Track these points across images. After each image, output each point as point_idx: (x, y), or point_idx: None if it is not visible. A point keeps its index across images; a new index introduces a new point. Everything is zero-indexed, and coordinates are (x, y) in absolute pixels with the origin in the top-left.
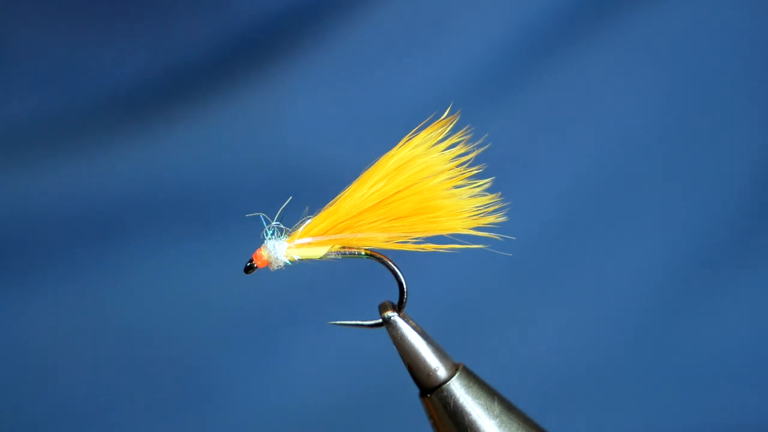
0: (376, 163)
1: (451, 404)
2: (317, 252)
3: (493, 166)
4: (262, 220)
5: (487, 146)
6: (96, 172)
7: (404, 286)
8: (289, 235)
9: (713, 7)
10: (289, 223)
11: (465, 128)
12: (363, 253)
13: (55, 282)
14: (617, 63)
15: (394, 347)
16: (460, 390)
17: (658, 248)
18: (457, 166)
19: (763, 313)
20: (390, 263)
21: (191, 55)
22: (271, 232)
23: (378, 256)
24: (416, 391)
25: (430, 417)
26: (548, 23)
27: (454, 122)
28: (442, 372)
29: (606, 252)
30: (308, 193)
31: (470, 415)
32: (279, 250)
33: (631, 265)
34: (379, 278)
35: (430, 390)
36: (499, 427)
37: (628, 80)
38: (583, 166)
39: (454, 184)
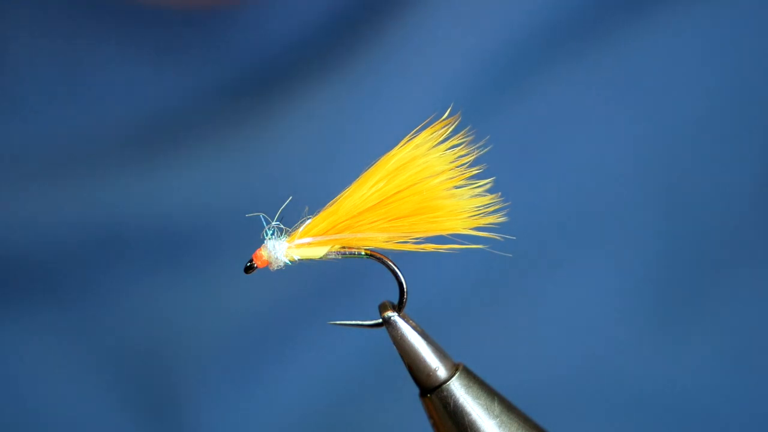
0: (376, 163)
1: (451, 404)
2: (317, 252)
3: (493, 167)
4: (262, 220)
5: (488, 147)
6: (89, 198)
7: (404, 286)
8: (289, 235)
9: (709, 32)
10: (289, 223)
11: (465, 129)
12: (363, 253)
13: (47, 304)
14: (618, 65)
15: (394, 347)
16: (460, 390)
17: (655, 251)
18: (457, 167)
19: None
20: (390, 263)
21: (186, 87)
22: (271, 232)
23: (378, 256)
24: (416, 391)
25: (430, 417)
26: (544, 33)
27: (455, 123)
28: (442, 372)
29: (603, 253)
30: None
31: (470, 415)
32: (279, 250)
33: (629, 267)
34: (379, 278)
35: (430, 390)
36: (499, 427)
37: (625, 86)
38: (582, 167)
39: (454, 185)
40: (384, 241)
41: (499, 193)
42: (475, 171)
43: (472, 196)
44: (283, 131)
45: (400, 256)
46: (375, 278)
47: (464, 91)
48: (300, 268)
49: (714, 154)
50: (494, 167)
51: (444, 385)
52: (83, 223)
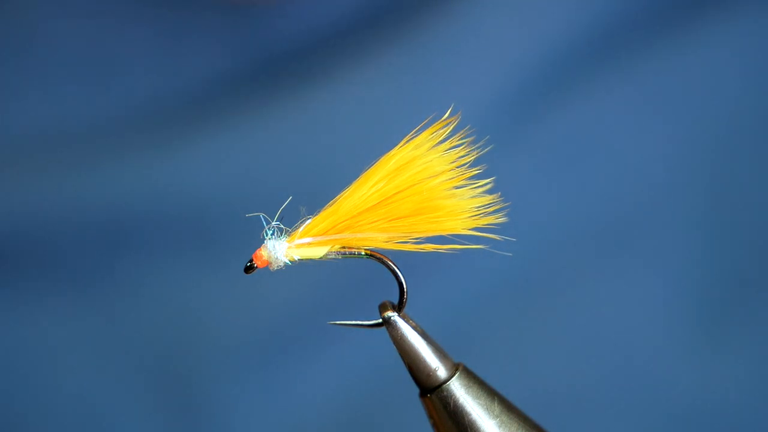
0: (376, 163)
1: (451, 404)
2: (317, 252)
3: (532, 174)
4: (262, 220)
5: (489, 147)
6: (105, 184)
7: (404, 286)
8: (289, 235)
9: (747, 40)
10: (289, 223)
11: (466, 129)
12: (363, 253)
13: (61, 291)
14: (658, 73)
15: (394, 347)
16: (460, 390)
17: (695, 259)
18: (457, 167)
19: None
20: (390, 263)
21: (207, 73)
22: (271, 232)
23: (378, 256)
24: (416, 391)
25: (430, 417)
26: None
27: (456, 123)
28: (442, 372)
29: (643, 262)
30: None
31: (470, 415)
32: (279, 250)
33: (668, 276)
34: (379, 278)
35: (430, 390)
36: (499, 427)
37: (666, 94)
38: (622, 175)
39: (455, 185)
40: (384, 241)
41: (499, 193)
42: (475, 170)
43: (473, 196)
44: (285, 128)
45: (400, 256)
46: (375, 278)
47: (497, 98)
48: (300, 268)
49: (755, 160)
50: (533, 174)
51: (444, 385)
52: (105, 212)
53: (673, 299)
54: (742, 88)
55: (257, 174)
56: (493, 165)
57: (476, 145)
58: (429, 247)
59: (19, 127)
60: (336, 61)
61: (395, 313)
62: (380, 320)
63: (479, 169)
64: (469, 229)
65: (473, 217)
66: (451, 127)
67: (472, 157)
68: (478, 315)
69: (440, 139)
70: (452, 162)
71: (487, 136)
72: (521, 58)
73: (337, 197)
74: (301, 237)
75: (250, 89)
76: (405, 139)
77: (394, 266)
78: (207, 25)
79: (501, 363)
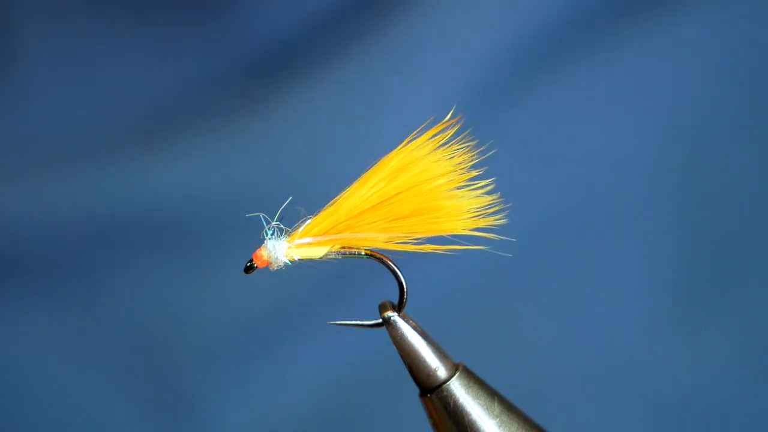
0: (376, 164)
1: (451, 404)
2: (317, 252)
3: (508, 163)
4: (262, 220)
5: (493, 151)
6: (95, 185)
7: (404, 286)
8: (289, 235)
9: (728, 26)
10: (289, 223)
11: (467, 130)
12: (363, 253)
13: (50, 295)
14: (634, 59)
15: (394, 347)
16: (460, 390)
17: (673, 248)
18: (457, 164)
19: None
20: (390, 263)
21: (200, 74)
22: (271, 232)
23: (378, 256)
24: (416, 391)
25: (430, 417)
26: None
27: (457, 124)
28: (442, 372)
29: (605, 253)
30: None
31: (470, 415)
32: (279, 250)
33: (647, 264)
34: (379, 278)
35: (430, 390)
36: (499, 427)
37: (641, 81)
38: (598, 163)
39: (455, 185)
40: (384, 242)
41: (499, 194)
42: (475, 172)
43: (473, 197)
44: (284, 127)
45: (400, 256)
46: (375, 278)
47: (476, 88)
48: (300, 268)
49: (732, 148)
50: (510, 164)
51: (444, 385)
52: (86, 213)
53: (654, 287)
54: (719, 75)
55: (257, 174)
56: (484, 162)
57: (473, 146)
58: (429, 247)
59: (9, 130)
60: (317, 58)
61: (395, 313)
62: (380, 320)
63: (479, 171)
64: (469, 230)
65: (473, 218)
66: (454, 130)
67: (472, 158)
68: (460, 307)
69: (441, 140)
70: (453, 162)
71: (492, 140)
72: (496, 50)
73: (337, 197)
74: (301, 237)
75: (244, 89)
76: (406, 140)
77: (394, 266)
78: (195, 26)
79: (485, 355)
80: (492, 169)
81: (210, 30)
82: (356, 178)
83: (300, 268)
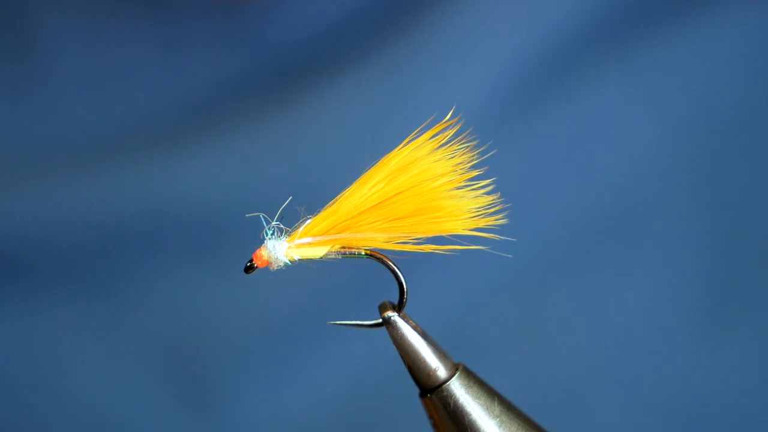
0: (377, 164)
1: (451, 404)
2: (317, 252)
3: (528, 167)
4: (262, 220)
5: (493, 152)
6: (113, 188)
7: (404, 286)
8: (289, 235)
9: (724, 47)
10: (289, 223)
11: (468, 131)
12: (363, 253)
13: (69, 294)
14: (652, 65)
15: (394, 347)
16: (460, 390)
17: (678, 258)
18: (457, 168)
19: None
20: (390, 263)
21: (206, 75)
22: (271, 232)
23: (378, 256)
24: (416, 391)
25: (430, 417)
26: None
27: (457, 125)
28: (442, 372)
29: (641, 255)
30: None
31: (470, 415)
32: (279, 250)
33: (652, 275)
34: (379, 278)
35: (430, 390)
36: (499, 427)
37: (662, 87)
38: (617, 169)
39: (455, 186)
40: (384, 242)
41: (499, 194)
42: (475, 173)
43: (473, 197)
44: (284, 128)
45: (400, 256)
46: (375, 278)
47: (499, 91)
48: (299, 268)
49: (756, 153)
50: (528, 171)
51: (444, 385)
52: (113, 214)
53: (670, 292)
54: (737, 80)
55: (257, 174)
56: (486, 162)
57: (478, 148)
58: (429, 247)
59: (21, 133)
60: (336, 61)
61: (395, 313)
62: (380, 320)
63: (480, 171)
64: (470, 230)
65: (474, 218)
66: (454, 130)
67: (473, 159)
68: (473, 311)
69: (441, 140)
70: (453, 162)
71: (491, 141)
72: (515, 56)
73: (337, 197)
74: (301, 237)
75: (249, 91)
76: (406, 140)
77: (394, 266)
78: (206, 28)
79: (496, 358)
80: (508, 175)
81: (217, 33)
82: (356, 178)
83: (302, 268)
